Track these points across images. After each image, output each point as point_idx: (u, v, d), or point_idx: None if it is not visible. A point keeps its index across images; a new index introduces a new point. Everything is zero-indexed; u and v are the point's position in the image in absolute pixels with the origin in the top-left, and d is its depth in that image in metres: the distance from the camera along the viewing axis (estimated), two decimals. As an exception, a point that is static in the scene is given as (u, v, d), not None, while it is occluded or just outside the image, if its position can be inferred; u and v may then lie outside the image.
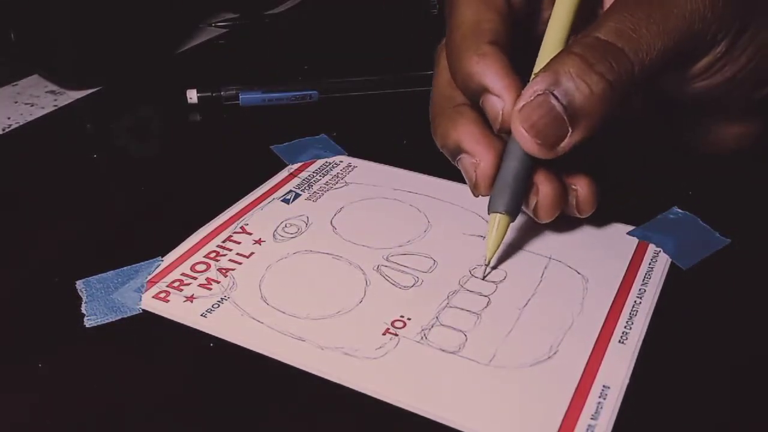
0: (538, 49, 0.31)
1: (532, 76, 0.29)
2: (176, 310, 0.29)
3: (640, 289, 0.30)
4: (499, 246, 0.30)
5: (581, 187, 0.31)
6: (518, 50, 0.31)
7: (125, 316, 0.29)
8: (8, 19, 0.50)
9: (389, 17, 0.62)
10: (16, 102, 0.48)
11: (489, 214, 0.30)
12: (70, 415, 0.25)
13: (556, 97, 0.27)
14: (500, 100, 0.29)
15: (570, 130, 0.28)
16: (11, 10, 0.49)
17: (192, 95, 0.46)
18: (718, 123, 0.34)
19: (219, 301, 0.30)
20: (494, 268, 0.31)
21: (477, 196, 0.31)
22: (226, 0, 0.62)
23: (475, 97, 0.30)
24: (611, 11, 0.29)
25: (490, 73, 0.29)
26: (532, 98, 0.28)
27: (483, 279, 0.31)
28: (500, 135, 0.30)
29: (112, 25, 0.49)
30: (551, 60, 0.28)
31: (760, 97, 0.32)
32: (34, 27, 0.49)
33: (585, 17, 0.31)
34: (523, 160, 0.29)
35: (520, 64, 0.30)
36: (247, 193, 0.36)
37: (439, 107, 0.32)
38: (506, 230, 0.30)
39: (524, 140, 0.28)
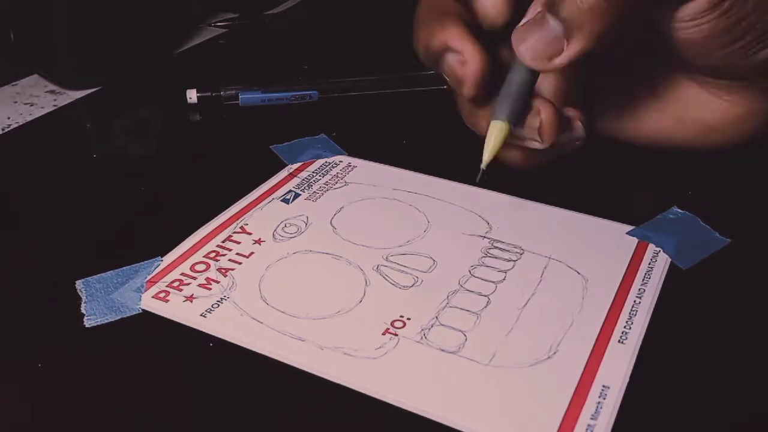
0: None
1: None
2: (176, 310, 0.29)
3: (639, 289, 0.30)
4: (496, 151, 0.31)
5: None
6: None
7: (125, 316, 0.29)
8: (8, 20, 0.50)
9: (389, 17, 0.62)
10: (15, 102, 0.48)
11: (491, 122, 0.31)
12: (70, 415, 0.25)
13: (551, 11, 0.29)
14: None
15: (566, 43, 0.29)
16: (11, 11, 0.49)
17: (192, 95, 0.46)
18: (717, 98, 0.34)
19: (219, 301, 0.30)
20: (487, 174, 0.32)
21: (465, 98, 0.32)
22: (226, 0, 0.62)
23: None
24: None
25: None
26: (532, 16, 0.29)
27: (476, 182, 0.32)
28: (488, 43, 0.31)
29: (111, 24, 0.49)
30: None
31: (759, 59, 0.31)
32: (33, 27, 0.49)
33: None
34: (525, 74, 0.31)
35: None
36: (247, 193, 0.36)
37: (425, 13, 0.33)
38: (504, 138, 0.31)
39: (522, 54, 0.30)
